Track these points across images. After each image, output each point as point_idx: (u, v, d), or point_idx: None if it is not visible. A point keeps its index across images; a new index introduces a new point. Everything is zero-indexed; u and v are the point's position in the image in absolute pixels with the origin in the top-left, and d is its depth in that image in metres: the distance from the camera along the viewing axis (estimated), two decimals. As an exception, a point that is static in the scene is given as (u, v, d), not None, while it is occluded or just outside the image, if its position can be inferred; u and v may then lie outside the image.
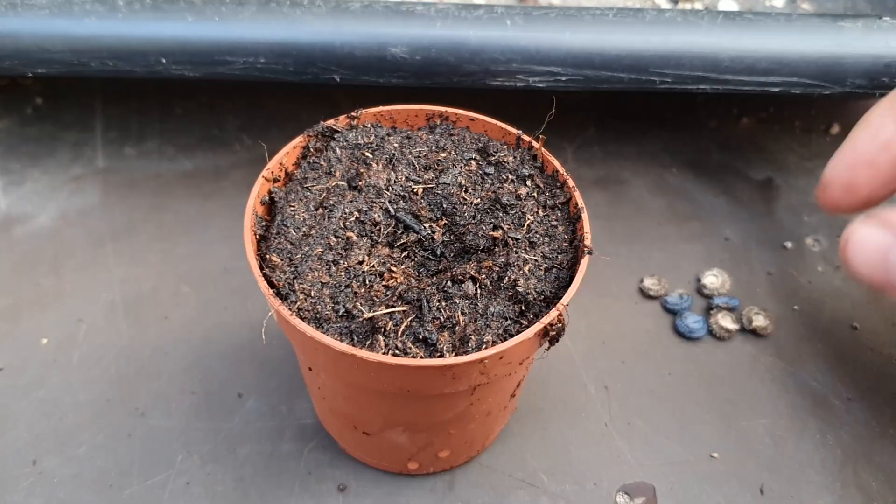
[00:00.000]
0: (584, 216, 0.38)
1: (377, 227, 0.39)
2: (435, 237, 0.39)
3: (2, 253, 0.58)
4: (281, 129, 0.68)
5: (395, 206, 0.40)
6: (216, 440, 0.48)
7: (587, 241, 0.37)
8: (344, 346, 0.33)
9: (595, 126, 0.71)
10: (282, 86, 0.52)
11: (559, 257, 0.38)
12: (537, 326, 0.34)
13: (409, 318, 0.36)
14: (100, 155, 0.66)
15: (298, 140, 0.41)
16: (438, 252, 0.39)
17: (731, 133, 0.72)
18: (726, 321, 0.54)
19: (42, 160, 0.65)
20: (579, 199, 0.39)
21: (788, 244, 0.62)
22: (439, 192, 0.40)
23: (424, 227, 0.39)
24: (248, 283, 0.56)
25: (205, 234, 0.60)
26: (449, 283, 0.37)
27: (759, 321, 0.54)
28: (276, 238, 0.38)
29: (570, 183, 0.40)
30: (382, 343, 0.35)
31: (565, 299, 0.35)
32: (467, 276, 0.37)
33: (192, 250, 0.59)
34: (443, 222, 0.40)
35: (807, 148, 0.71)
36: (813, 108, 0.74)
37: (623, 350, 0.54)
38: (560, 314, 0.35)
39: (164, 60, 0.51)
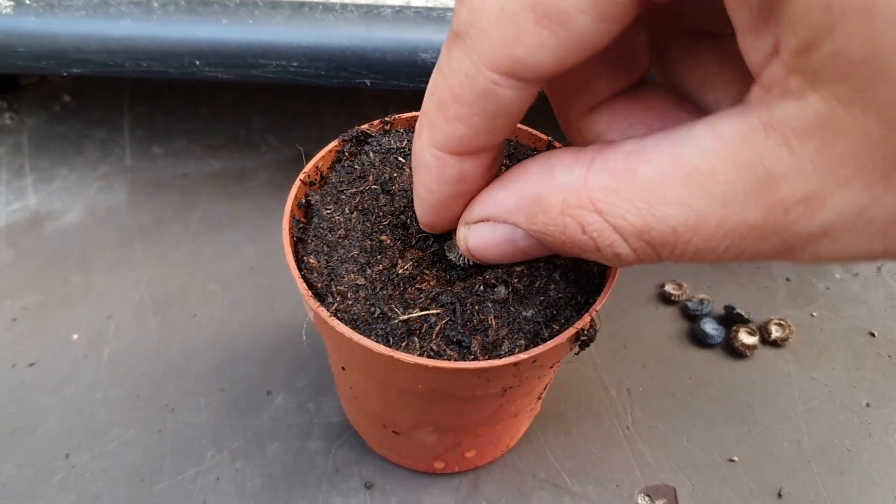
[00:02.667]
0: (617, 223, 0.39)
1: (409, 232, 0.40)
2: None
3: (32, 250, 0.59)
4: (306, 131, 0.69)
5: None
6: (245, 437, 0.49)
7: (619, 248, 0.38)
8: (382, 348, 0.34)
9: (615, 131, 0.72)
10: (308, 87, 0.53)
11: (589, 263, 0.39)
12: (570, 331, 0.35)
13: (444, 321, 0.36)
14: (127, 153, 0.66)
15: (333, 144, 0.42)
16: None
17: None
18: (746, 337, 0.54)
19: (70, 158, 0.66)
20: (611, 206, 0.40)
21: (807, 251, 0.62)
22: None
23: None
24: (274, 283, 0.57)
25: (232, 233, 0.61)
26: (481, 287, 0.38)
27: (778, 333, 0.55)
28: (313, 240, 0.39)
29: (603, 190, 0.40)
30: (417, 345, 0.35)
31: (598, 305, 0.36)
32: (500, 279, 0.38)
33: (220, 250, 0.59)
34: None
35: (824, 156, 0.71)
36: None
37: (644, 354, 0.55)
38: (592, 319, 0.36)
39: (197, 62, 0.51)
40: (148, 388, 0.51)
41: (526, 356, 0.34)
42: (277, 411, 0.50)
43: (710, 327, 0.55)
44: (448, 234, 0.39)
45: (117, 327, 0.54)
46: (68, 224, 0.61)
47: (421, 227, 0.39)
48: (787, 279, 0.60)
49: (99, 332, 0.54)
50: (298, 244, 0.40)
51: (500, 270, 0.38)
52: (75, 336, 0.53)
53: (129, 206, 0.62)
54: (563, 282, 0.38)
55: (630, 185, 0.28)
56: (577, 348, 0.37)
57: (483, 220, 0.35)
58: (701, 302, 0.57)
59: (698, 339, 0.55)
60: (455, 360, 0.35)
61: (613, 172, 0.28)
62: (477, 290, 0.38)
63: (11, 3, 0.51)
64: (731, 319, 0.56)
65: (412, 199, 0.40)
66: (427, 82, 0.52)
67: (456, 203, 0.36)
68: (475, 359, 0.35)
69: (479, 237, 0.36)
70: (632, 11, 0.25)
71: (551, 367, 0.39)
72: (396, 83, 0.52)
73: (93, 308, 0.55)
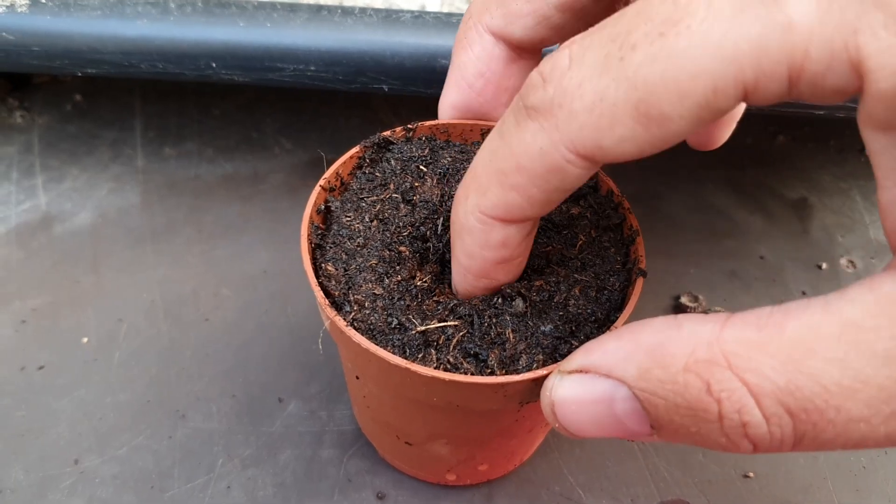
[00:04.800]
0: (640, 239, 0.38)
1: (427, 245, 0.39)
2: None
3: (42, 250, 0.58)
4: (320, 134, 0.68)
5: (444, 227, 0.40)
6: (257, 444, 0.48)
7: (643, 265, 0.37)
8: (398, 360, 0.33)
9: (631, 139, 0.71)
10: (323, 90, 0.52)
11: (611, 279, 0.38)
12: (592, 348, 0.35)
13: (461, 334, 0.36)
14: (139, 154, 0.66)
15: (355, 150, 0.42)
16: None
17: (766, 150, 0.72)
18: None
19: (81, 158, 0.65)
20: (635, 221, 0.39)
21: (823, 265, 0.62)
22: None
23: None
24: (287, 288, 0.57)
25: (244, 236, 0.60)
26: (499, 300, 0.37)
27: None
28: (331, 248, 0.38)
29: (626, 204, 0.40)
30: (434, 357, 0.35)
31: (619, 322, 0.36)
32: (516, 292, 0.37)
33: (232, 252, 0.59)
34: None
35: (841, 168, 0.71)
36: (848, 128, 0.74)
37: (659, 367, 0.54)
38: (613, 337, 0.35)
39: (214, 65, 0.51)
40: (158, 392, 0.51)
41: (545, 372, 0.34)
42: (289, 419, 0.50)
43: (725, 340, 0.54)
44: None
45: (128, 330, 0.54)
46: (79, 225, 0.60)
47: (457, 297, 0.38)
48: (803, 292, 0.60)
49: (109, 334, 0.53)
50: (316, 251, 0.39)
51: (517, 283, 0.38)
52: (85, 339, 0.53)
53: (141, 208, 0.62)
54: (582, 297, 0.37)
55: (774, 340, 0.25)
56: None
57: (582, 371, 0.31)
58: (717, 315, 0.56)
59: (713, 353, 0.55)
60: (472, 373, 0.34)
61: (755, 326, 0.25)
62: (495, 303, 0.37)
63: (27, 1, 0.50)
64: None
65: (433, 210, 0.40)
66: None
67: (496, 270, 0.36)
68: (492, 373, 0.34)
69: (569, 391, 0.31)
70: (721, 116, 0.26)
71: (570, 383, 0.38)
72: (414, 89, 0.51)
73: (103, 310, 0.55)
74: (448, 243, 0.39)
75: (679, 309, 0.57)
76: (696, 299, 0.57)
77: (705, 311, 0.57)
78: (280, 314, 0.55)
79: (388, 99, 0.71)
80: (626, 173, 0.68)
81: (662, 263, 0.61)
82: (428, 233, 0.39)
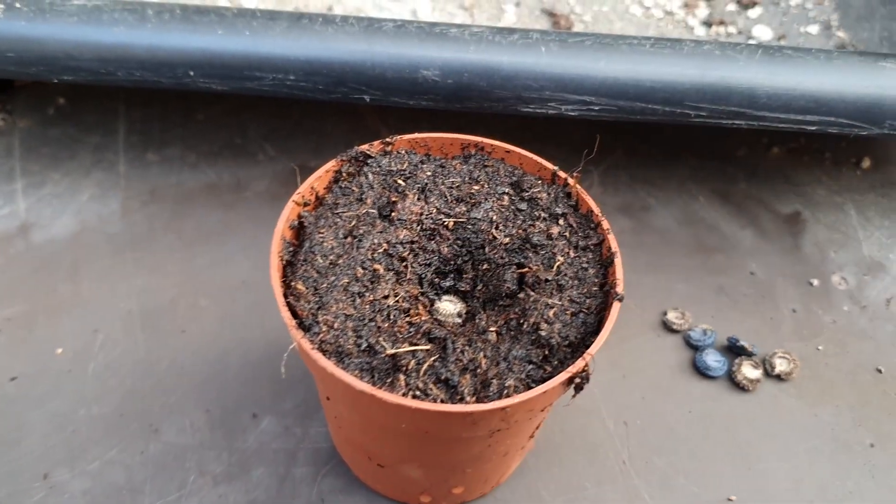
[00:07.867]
0: (618, 261, 0.38)
1: (404, 264, 0.38)
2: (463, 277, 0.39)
3: (20, 257, 0.57)
4: (305, 141, 0.67)
5: (423, 258, 0.39)
6: (230, 461, 0.47)
7: (619, 288, 0.37)
8: (364, 385, 0.33)
9: (623, 150, 0.70)
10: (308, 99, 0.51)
11: (587, 301, 0.37)
12: (563, 376, 0.34)
13: (433, 358, 0.35)
14: (121, 160, 0.65)
15: (331, 164, 0.41)
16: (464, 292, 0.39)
17: (759, 162, 0.71)
18: (749, 371, 0.53)
19: (63, 163, 0.64)
20: (613, 242, 0.38)
21: (815, 281, 0.61)
22: (470, 227, 0.39)
23: (448, 280, 0.39)
24: (266, 299, 0.55)
25: (225, 244, 0.59)
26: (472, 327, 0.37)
27: (782, 366, 0.53)
28: (302, 265, 0.37)
29: (605, 225, 0.39)
30: (403, 382, 0.34)
31: (593, 349, 0.34)
32: (490, 329, 0.37)
33: (212, 261, 0.58)
34: (469, 275, 0.39)
35: (836, 181, 0.70)
36: (844, 141, 0.73)
37: (643, 385, 0.53)
38: (587, 364, 0.34)
39: (192, 73, 0.50)
40: (133, 405, 0.50)
41: (515, 401, 0.33)
42: (263, 435, 0.49)
43: (711, 359, 0.53)
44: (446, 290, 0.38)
45: (104, 341, 0.53)
46: (58, 232, 0.59)
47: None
48: (794, 310, 0.58)
49: (85, 345, 0.52)
50: (287, 268, 0.38)
51: (492, 318, 0.37)
52: (59, 350, 0.52)
53: (122, 215, 0.61)
54: (557, 322, 0.36)
55: None
56: (572, 391, 0.36)
57: None
58: (704, 332, 0.55)
59: (700, 371, 0.54)
60: (442, 400, 0.34)
61: None
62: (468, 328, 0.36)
63: (1, 6, 0.49)
64: (734, 351, 0.55)
65: (410, 226, 0.39)
66: (428, 99, 0.50)
67: None
68: (462, 399, 0.34)
69: None
70: None
71: (543, 410, 0.37)
72: (396, 100, 0.50)
73: (80, 320, 0.54)
74: (426, 262, 0.39)
75: (666, 325, 0.56)
76: (682, 315, 0.56)
77: (691, 328, 0.56)
78: (257, 327, 0.54)
79: (375, 107, 0.70)
80: (615, 184, 0.67)
81: (650, 277, 0.60)
82: (406, 253, 0.38)
